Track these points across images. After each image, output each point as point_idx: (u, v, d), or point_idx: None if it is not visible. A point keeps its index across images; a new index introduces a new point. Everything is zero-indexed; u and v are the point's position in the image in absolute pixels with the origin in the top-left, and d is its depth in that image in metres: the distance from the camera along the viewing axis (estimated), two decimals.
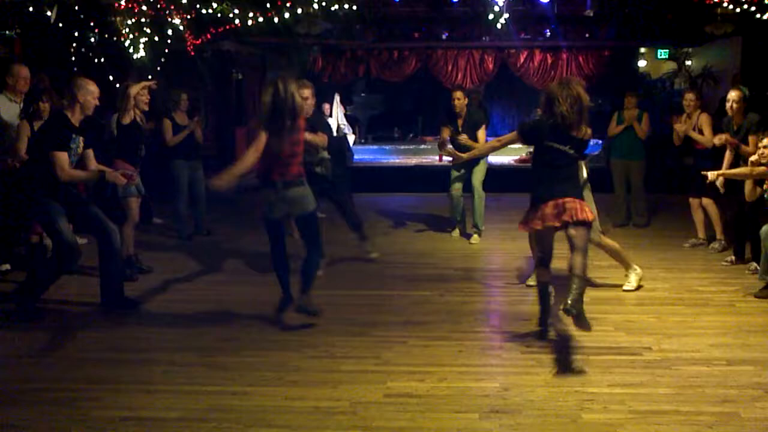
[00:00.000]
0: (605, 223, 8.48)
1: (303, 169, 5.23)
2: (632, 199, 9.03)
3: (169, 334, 5.26)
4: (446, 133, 7.87)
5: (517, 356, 4.75)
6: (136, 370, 4.56)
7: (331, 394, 4.15)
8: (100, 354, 4.84)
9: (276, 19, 9.03)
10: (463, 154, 6.11)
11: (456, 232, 8.66)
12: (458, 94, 8.13)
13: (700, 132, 7.53)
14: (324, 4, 8.71)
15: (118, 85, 9.93)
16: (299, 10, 8.85)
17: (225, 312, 5.71)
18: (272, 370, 4.50)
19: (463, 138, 7.84)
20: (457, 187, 8.26)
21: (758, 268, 6.61)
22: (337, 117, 14.08)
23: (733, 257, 7.12)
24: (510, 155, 14.15)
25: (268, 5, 8.98)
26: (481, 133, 8.15)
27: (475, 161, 8.02)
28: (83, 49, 9.97)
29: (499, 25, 9.63)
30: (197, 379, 4.38)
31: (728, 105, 7.07)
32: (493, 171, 12.25)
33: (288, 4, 8.79)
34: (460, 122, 8.13)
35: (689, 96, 7.81)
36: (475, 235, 8.35)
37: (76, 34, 9.80)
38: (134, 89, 6.69)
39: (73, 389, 4.24)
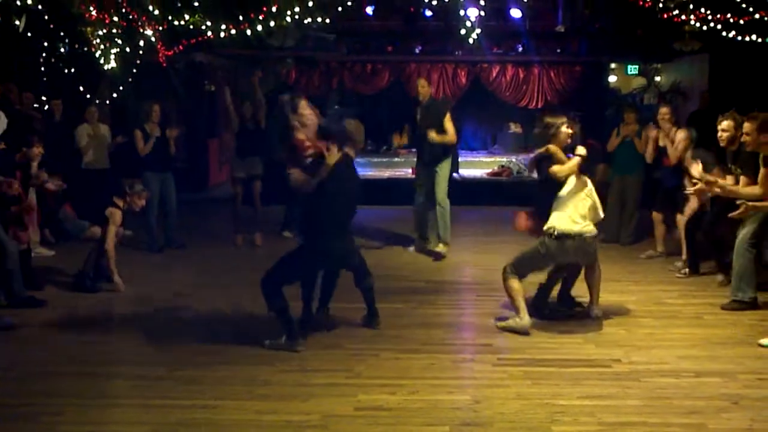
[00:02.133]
0: None
1: None
2: (625, 215, 8.78)
3: (137, 347, 5.19)
4: (396, 141, 8.25)
5: (488, 369, 4.76)
6: (102, 384, 4.50)
7: (302, 407, 4.12)
8: (64, 367, 4.76)
9: (249, 32, 9.01)
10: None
11: (413, 248, 8.30)
12: (422, 81, 8.12)
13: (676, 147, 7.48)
14: (297, 17, 8.70)
15: (88, 96, 9.93)
16: (272, 23, 8.84)
17: (195, 325, 5.66)
18: (243, 383, 4.46)
19: (432, 134, 7.63)
20: (421, 200, 8.10)
21: (724, 279, 6.73)
22: None
23: (687, 270, 7.23)
24: (482, 168, 14.23)
25: (240, 18, 8.96)
26: (448, 122, 7.74)
27: (435, 173, 7.85)
28: (53, 60, 9.87)
29: (471, 41, 9.68)
30: (166, 392, 4.33)
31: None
32: (465, 184, 12.38)
33: (261, 17, 8.78)
34: (418, 112, 7.89)
35: (664, 110, 7.73)
36: (441, 245, 8.02)
37: (46, 44, 9.70)
38: None
39: (35, 404, 4.17)
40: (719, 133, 6.19)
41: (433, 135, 7.68)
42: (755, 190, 5.69)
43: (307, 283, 5.50)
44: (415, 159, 8.51)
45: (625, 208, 8.81)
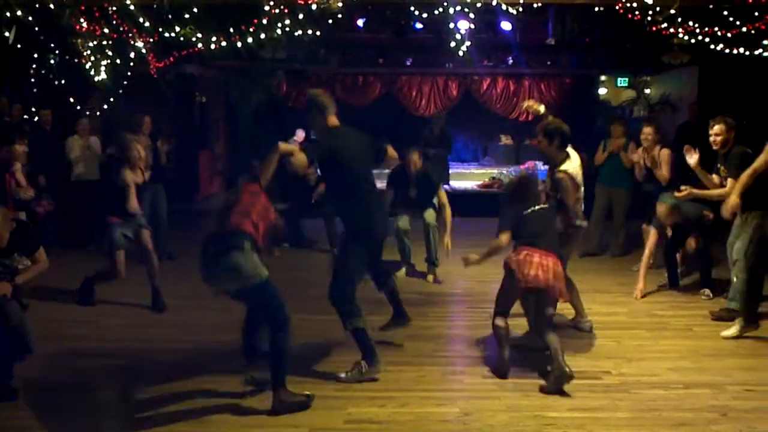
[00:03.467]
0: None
1: None
2: (614, 228, 8.80)
3: (123, 359, 5.16)
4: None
5: (478, 381, 4.76)
6: (84, 396, 4.46)
7: (291, 420, 4.10)
8: (46, 381, 4.72)
9: (240, 44, 9.02)
10: None
11: (402, 272, 7.82)
12: (415, 157, 7.47)
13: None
14: (288, 29, 8.71)
15: (78, 108, 9.90)
16: (263, 35, 8.85)
17: (184, 338, 5.63)
18: (231, 396, 4.44)
19: (429, 216, 7.56)
20: (404, 220, 7.61)
21: (710, 294, 6.79)
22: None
23: (667, 282, 7.26)
24: (473, 180, 14.26)
25: (231, 30, 8.97)
26: (442, 193, 7.49)
27: (426, 205, 7.64)
28: (43, 71, 9.84)
29: (461, 53, 9.71)
30: (153, 406, 4.30)
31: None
32: (455, 196, 12.39)
33: (252, 30, 8.78)
34: (412, 190, 7.60)
35: (647, 130, 7.55)
36: (430, 275, 7.69)
37: (36, 55, 9.67)
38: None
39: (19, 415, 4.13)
40: (711, 137, 6.22)
41: (429, 217, 7.58)
42: (725, 190, 5.94)
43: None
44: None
45: (614, 221, 8.79)
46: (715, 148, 6.26)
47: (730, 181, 5.98)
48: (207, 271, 4.20)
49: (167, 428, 4.00)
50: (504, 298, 4.94)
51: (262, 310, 4.36)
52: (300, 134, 14.75)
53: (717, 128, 6.19)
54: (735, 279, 6.04)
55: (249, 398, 4.41)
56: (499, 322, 4.87)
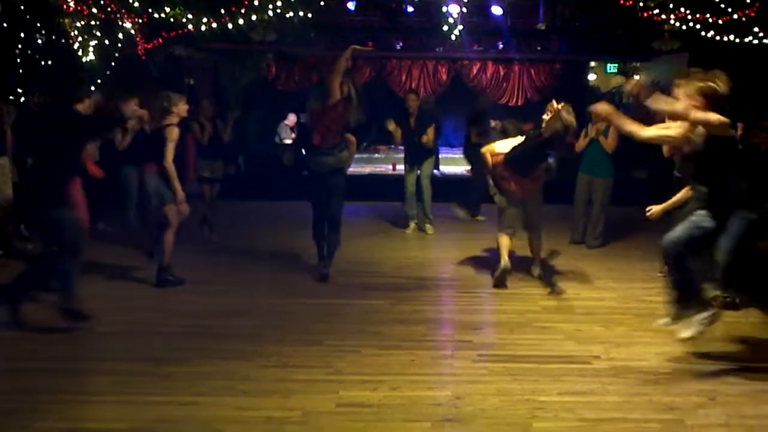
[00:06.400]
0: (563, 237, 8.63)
1: None
2: (592, 218, 8.52)
3: (115, 343, 5.14)
4: (391, 126, 8.96)
5: (468, 365, 4.77)
6: (81, 380, 4.45)
7: (282, 403, 4.11)
8: (41, 364, 4.69)
9: (230, 26, 8.95)
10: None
11: (410, 228, 9.30)
12: (412, 96, 9.24)
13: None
14: (279, 11, 8.65)
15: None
16: (254, 17, 8.78)
17: (174, 321, 5.61)
18: (223, 379, 4.43)
19: (425, 138, 8.90)
20: (411, 182, 9.17)
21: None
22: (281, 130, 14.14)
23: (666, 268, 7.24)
24: (462, 165, 14.24)
25: (222, 11, 8.90)
26: (430, 132, 8.97)
27: (425, 156, 9.14)
28: (29, 51, 9.72)
29: (453, 37, 9.69)
30: (145, 389, 4.29)
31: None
32: (445, 181, 12.41)
33: (242, 11, 8.72)
34: (412, 121, 8.97)
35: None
36: (428, 225, 9.24)
37: (22, 35, 9.55)
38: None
39: (12, 400, 4.10)
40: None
41: (426, 139, 9.00)
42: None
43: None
44: (399, 155, 9.85)
45: (592, 211, 8.52)
46: None
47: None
48: None
49: (160, 409, 3.99)
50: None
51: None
52: (291, 118, 14.69)
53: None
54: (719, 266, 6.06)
55: (242, 381, 4.41)
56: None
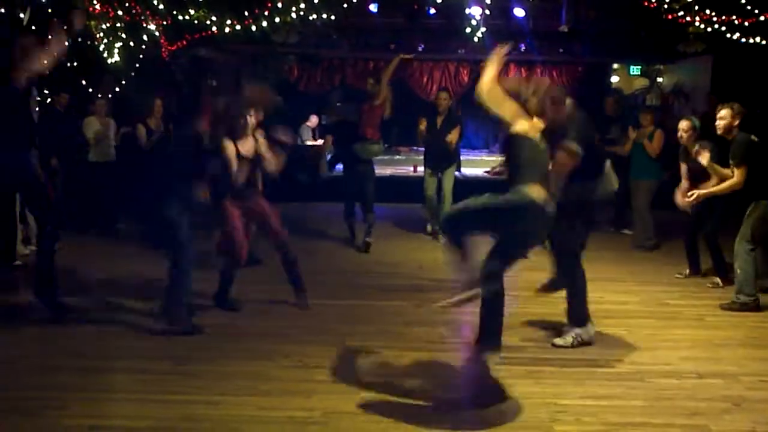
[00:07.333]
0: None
1: None
2: (636, 221, 8.74)
3: (140, 341, 5.18)
4: (423, 124, 8.94)
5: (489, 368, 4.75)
6: (105, 378, 4.49)
7: (304, 404, 4.12)
8: (68, 361, 4.74)
9: (254, 28, 9.00)
10: None
11: (429, 229, 9.36)
12: (443, 95, 9.16)
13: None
14: (302, 13, 8.69)
15: (90, 90, 9.90)
16: (277, 19, 8.83)
17: (199, 321, 5.64)
18: (245, 379, 4.46)
19: (449, 137, 8.76)
20: (431, 187, 9.13)
21: (719, 282, 6.78)
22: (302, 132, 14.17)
23: (688, 270, 7.23)
24: (484, 167, 14.23)
25: (246, 13, 8.96)
26: (455, 133, 8.88)
27: (446, 164, 9.02)
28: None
29: (476, 39, 9.68)
30: (169, 387, 4.33)
31: (679, 135, 7.00)
32: (466, 183, 12.37)
33: (266, 13, 8.77)
34: (439, 120, 8.92)
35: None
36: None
37: (49, 37, 9.66)
38: None
39: (40, 397, 4.15)
40: (717, 122, 6.24)
41: (451, 139, 8.87)
42: (729, 183, 6.04)
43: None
44: (420, 157, 9.74)
45: (635, 214, 8.72)
46: (719, 132, 6.29)
47: (736, 170, 5.99)
48: None
49: (182, 408, 4.02)
50: None
51: None
52: (313, 119, 14.71)
53: (723, 113, 6.24)
54: (738, 271, 6.04)
55: (264, 381, 4.43)
56: None
